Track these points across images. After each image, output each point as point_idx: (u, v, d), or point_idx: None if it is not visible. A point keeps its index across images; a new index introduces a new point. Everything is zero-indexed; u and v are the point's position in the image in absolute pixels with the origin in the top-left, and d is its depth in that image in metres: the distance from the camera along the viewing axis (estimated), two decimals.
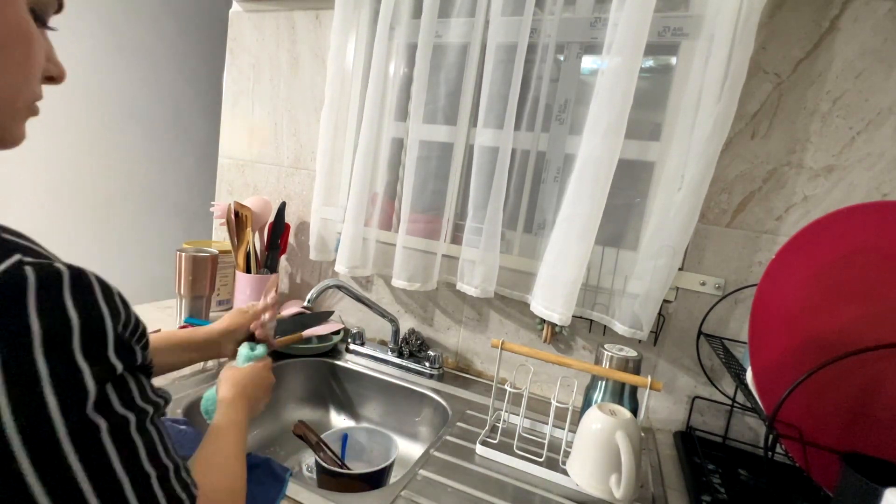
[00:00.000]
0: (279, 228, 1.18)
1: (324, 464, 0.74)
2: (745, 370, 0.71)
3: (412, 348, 1.09)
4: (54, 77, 0.40)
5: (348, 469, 0.79)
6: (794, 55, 0.80)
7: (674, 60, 0.90)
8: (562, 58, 0.97)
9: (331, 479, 0.74)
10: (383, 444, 0.84)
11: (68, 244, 1.72)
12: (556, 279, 0.86)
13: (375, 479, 0.74)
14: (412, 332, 1.12)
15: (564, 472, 0.71)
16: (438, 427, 0.94)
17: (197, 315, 1.10)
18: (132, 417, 0.31)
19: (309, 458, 0.93)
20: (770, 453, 0.55)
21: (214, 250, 1.15)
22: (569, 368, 0.78)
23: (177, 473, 0.34)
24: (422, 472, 0.71)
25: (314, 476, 0.79)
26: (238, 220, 1.13)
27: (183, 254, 1.07)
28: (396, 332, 1.10)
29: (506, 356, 0.82)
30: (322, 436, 0.81)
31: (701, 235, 0.88)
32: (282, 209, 1.18)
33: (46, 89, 0.39)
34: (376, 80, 1.02)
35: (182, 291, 1.08)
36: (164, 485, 0.32)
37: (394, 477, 0.80)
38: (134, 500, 0.30)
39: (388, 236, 1.11)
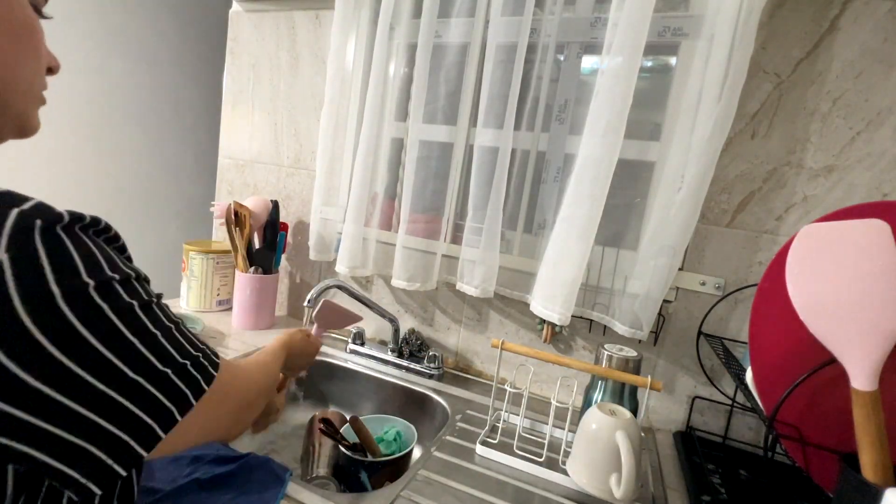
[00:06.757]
0: (274, 228, 1.17)
1: (372, 459, 0.74)
2: (745, 370, 0.71)
3: (412, 348, 1.09)
4: (52, 68, 0.42)
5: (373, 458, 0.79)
6: (794, 55, 0.80)
7: (674, 60, 0.90)
8: (562, 58, 0.97)
9: (384, 472, 0.74)
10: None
11: None
12: (556, 279, 0.86)
13: (404, 462, 0.76)
14: (412, 332, 1.12)
15: (564, 472, 0.71)
16: (438, 427, 0.94)
17: None
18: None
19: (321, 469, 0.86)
20: (770, 453, 0.55)
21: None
22: (569, 368, 0.78)
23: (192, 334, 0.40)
24: (422, 472, 0.71)
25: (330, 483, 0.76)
26: (238, 220, 1.13)
27: None
28: (396, 332, 1.10)
29: (506, 356, 0.82)
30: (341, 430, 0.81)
31: (701, 235, 0.88)
32: (275, 209, 1.17)
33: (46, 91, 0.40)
34: (376, 80, 1.02)
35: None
36: (187, 335, 0.38)
37: None
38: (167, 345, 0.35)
39: (388, 236, 1.11)
